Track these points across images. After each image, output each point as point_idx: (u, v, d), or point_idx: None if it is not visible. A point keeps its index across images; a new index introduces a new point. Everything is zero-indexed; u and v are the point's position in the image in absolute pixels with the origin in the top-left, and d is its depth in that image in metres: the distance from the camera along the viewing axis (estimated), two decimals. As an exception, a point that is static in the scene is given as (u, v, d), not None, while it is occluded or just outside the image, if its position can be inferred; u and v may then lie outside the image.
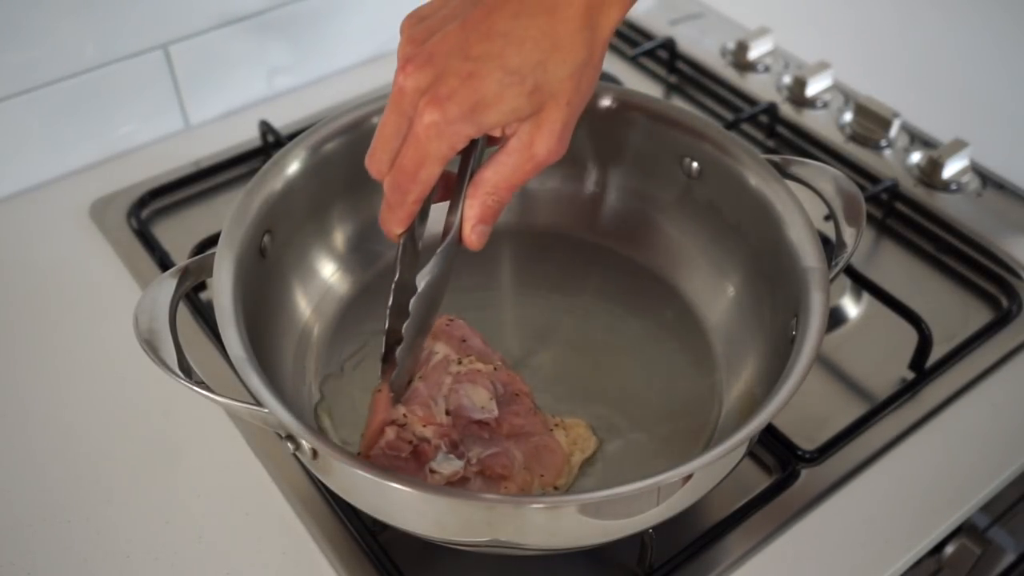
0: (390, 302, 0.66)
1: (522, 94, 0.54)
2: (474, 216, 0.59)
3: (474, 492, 0.64)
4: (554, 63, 0.54)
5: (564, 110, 0.56)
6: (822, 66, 1.09)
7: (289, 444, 0.60)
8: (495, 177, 0.58)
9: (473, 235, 0.60)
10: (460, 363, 0.70)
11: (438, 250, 0.62)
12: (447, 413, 0.68)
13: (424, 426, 0.66)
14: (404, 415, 0.66)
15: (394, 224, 0.60)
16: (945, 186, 0.99)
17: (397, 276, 0.65)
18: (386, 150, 0.58)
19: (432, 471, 0.65)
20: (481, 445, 0.68)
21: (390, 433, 0.66)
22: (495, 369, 0.72)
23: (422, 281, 0.62)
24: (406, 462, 0.66)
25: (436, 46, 0.54)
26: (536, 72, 0.54)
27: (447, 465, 0.66)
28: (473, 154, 0.61)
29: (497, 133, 0.59)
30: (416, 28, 0.56)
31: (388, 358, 0.67)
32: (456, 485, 0.66)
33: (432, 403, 0.68)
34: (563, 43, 0.54)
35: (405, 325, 0.64)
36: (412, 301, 0.63)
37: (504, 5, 0.54)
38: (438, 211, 0.64)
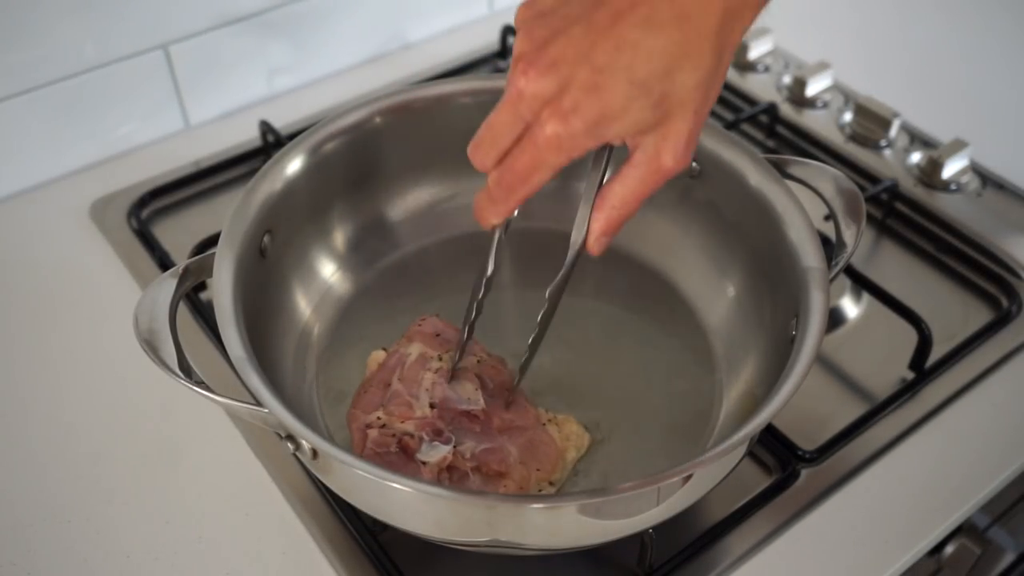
0: (481, 295, 0.67)
1: (648, 107, 0.52)
2: (599, 229, 0.59)
3: (474, 492, 0.64)
4: (683, 73, 0.52)
5: (691, 120, 0.54)
6: (822, 66, 1.10)
7: (289, 444, 0.60)
8: (622, 191, 0.57)
9: (597, 246, 0.60)
10: (440, 359, 0.71)
11: (568, 261, 0.63)
12: (431, 407, 0.68)
13: (403, 422, 0.66)
14: (379, 417, 0.66)
15: (493, 217, 0.59)
16: (945, 186, 0.99)
17: (491, 269, 0.66)
18: (496, 146, 0.56)
19: (422, 463, 0.66)
20: (473, 439, 0.68)
21: (373, 433, 0.66)
22: (479, 362, 0.72)
23: (553, 293, 0.65)
24: (397, 458, 0.66)
25: (560, 51, 0.51)
26: (664, 83, 0.52)
27: (433, 453, 0.66)
28: (603, 162, 0.61)
29: (618, 142, 0.57)
30: (535, 25, 0.54)
31: (463, 354, 0.69)
32: (455, 482, 0.66)
33: (413, 400, 0.68)
34: (693, 52, 0.52)
35: (533, 335, 0.67)
36: (543, 314, 0.66)
37: (633, 10, 0.51)
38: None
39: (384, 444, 0.66)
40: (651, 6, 0.51)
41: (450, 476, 0.66)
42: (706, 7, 0.51)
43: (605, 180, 0.59)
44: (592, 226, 0.59)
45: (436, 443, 0.66)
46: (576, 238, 0.61)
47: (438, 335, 0.72)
